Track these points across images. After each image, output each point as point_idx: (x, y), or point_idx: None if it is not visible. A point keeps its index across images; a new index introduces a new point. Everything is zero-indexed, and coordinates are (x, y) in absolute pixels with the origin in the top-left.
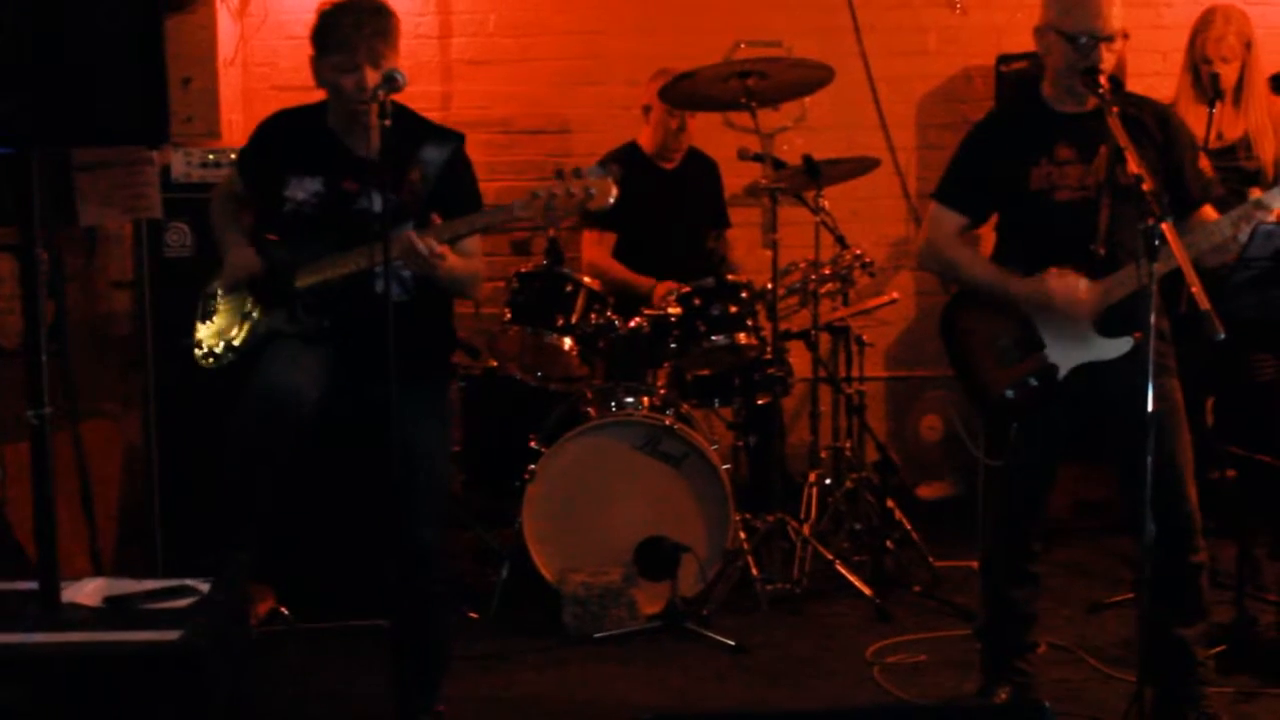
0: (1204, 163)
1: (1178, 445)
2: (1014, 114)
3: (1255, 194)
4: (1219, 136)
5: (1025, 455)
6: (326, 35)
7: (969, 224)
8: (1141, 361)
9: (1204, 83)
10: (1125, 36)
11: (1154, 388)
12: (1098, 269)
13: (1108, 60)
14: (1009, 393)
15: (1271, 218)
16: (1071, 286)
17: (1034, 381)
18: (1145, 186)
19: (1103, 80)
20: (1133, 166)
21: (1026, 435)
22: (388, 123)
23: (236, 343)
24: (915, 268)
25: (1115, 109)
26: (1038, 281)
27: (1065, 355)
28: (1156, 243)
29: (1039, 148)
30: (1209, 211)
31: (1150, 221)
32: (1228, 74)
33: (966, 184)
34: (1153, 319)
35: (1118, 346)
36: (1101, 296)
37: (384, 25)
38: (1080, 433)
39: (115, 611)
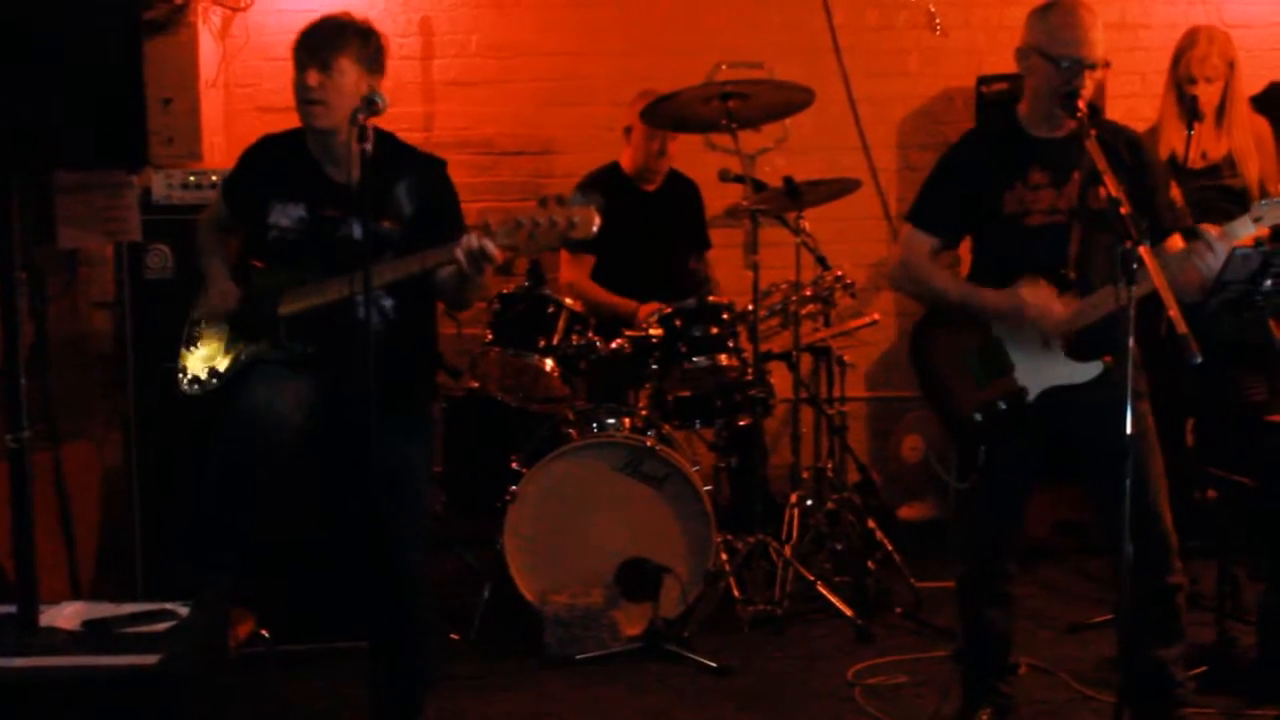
0: (1175, 191)
1: (1151, 468)
2: (988, 137)
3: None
4: (1203, 156)
5: (996, 478)
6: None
7: (941, 245)
8: (1118, 385)
9: (1186, 103)
10: (1107, 65)
11: (1131, 415)
12: (1069, 292)
13: (1089, 87)
14: (977, 415)
15: (1248, 241)
16: (1044, 296)
17: (1002, 405)
18: (1123, 210)
19: (1080, 105)
20: (1111, 190)
21: (996, 458)
22: (368, 146)
23: (221, 369)
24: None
25: (1093, 132)
26: (1010, 293)
27: (1035, 378)
28: (1135, 266)
29: (1012, 171)
30: (1176, 240)
31: (1128, 244)
32: (1211, 94)
33: (939, 206)
34: (1130, 342)
35: (1088, 370)
36: (1074, 317)
37: (338, 39)
38: (1052, 455)
39: (94, 635)
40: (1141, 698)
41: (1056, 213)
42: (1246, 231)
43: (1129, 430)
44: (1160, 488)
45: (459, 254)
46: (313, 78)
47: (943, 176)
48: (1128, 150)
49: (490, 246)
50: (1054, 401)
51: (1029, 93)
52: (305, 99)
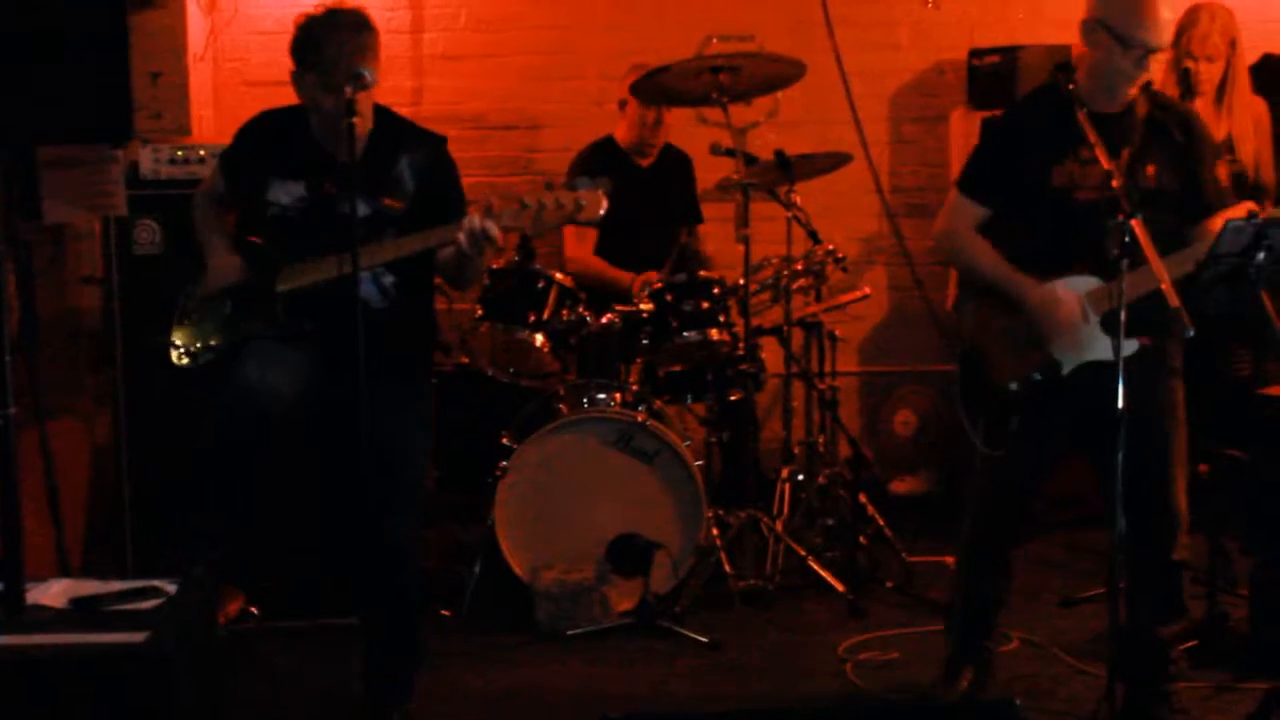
0: (1222, 170)
1: (1173, 444)
2: (1042, 107)
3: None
4: None
5: (1024, 448)
6: (306, 52)
7: (988, 215)
8: (1136, 363)
9: (1183, 79)
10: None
11: (1156, 385)
12: (1113, 270)
13: (1152, 73)
14: (1013, 385)
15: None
16: (1075, 307)
17: (1038, 376)
18: (1114, 183)
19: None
20: (1104, 163)
21: (1026, 428)
22: (356, 120)
23: (215, 343)
24: (887, 262)
25: (1143, 108)
26: (1046, 293)
27: (1071, 352)
28: (1126, 239)
29: (1064, 145)
30: (1218, 220)
31: (1120, 217)
32: (1212, 73)
33: (989, 176)
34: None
35: (1126, 347)
36: (1109, 300)
37: (364, 42)
38: (1080, 431)
39: (81, 613)
40: (1133, 673)
41: (1106, 189)
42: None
43: (1120, 403)
44: (1179, 464)
45: (460, 235)
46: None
47: (994, 146)
48: (1179, 128)
49: (492, 228)
50: (1088, 376)
51: (1088, 67)
52: (349, 112)
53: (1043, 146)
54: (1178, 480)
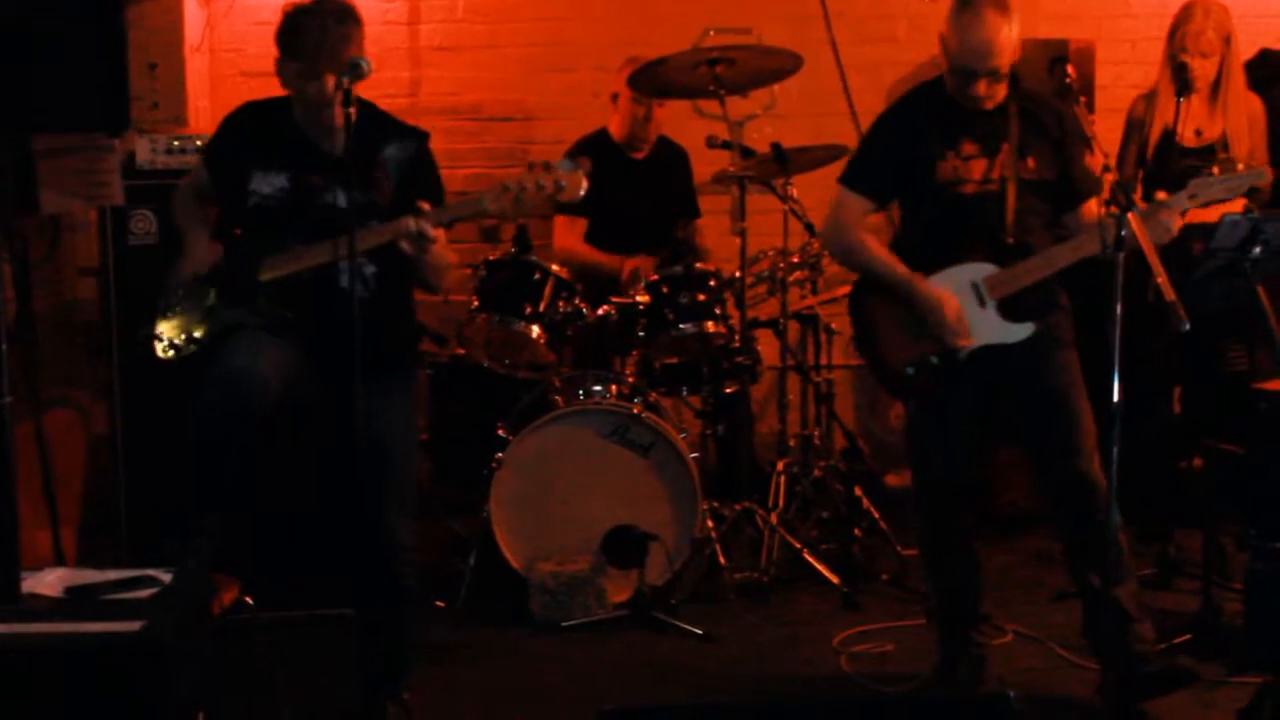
0: (1092, 161)
1: (1078, 414)
2: (922, 105)
3: (1160, 195)
4: (1197, 134)
5: (934, 431)
6: (290, 40)
7: (873, 208)
8: (1029, 343)
9: (1179, 74)
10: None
11: (1055, 363)
12: (1006, 257)
13: (985, 90)
14: (909, 369)
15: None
16: (958, 311)
17: (934, 360)
18: (1109, 178)
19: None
20: (1099, 158)
21: (933, 412)
22: (352, 110)
23: (198, 334)
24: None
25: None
26: (933, 295)
27: (960, 346)
28: (1123, 232)
29: (945, 141)
30: (1093, 207)
31: (1115, 210)
32: (1206, 69)
33: (874, 169)
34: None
35: (1020, 331)
36: (1004, 286)
37: (348, 31)
38: (990, 413)
39: (76, 602)
40: (1101, 637)
41: (989, 181)
42: (1181, 207)
43: (1116, 396)
44: (1087, 434)
45: (399, 239)
46: (334, 84)
47: (878, 140)
48: (1053, 120)
49: (427, 228)
50: (987, 359)
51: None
52: (325, 105)
53: (926, 143)
54: (1090, 450)
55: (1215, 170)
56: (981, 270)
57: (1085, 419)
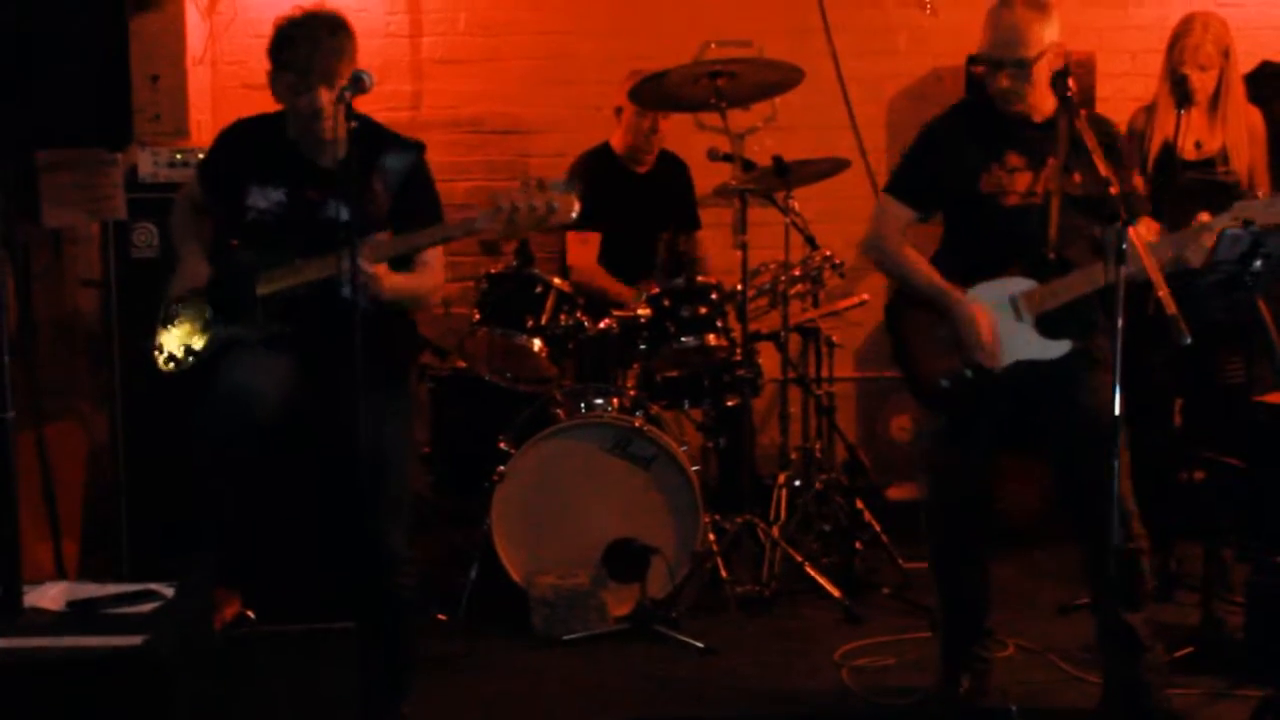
0: (1138, 180)
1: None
2: (968, 116)
3: (1203, 217)
4: (1197, 146)
5: (964, 446)
6: (281, 53)
7: (915, 218)
8: (1065, 363)
9: (1178, 87)
10: (1032, 59)
11: (1091, 383)
12: (1046, 272)
13: (1014, 85)
14: (944, 382)
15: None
16: (990, 325)
17: (969, 373)
18: (1112, 190)
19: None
20: (1101, 170)
21: (963, 425)
22: (354, 125)
23: (197, 348)
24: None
25: (1083, 112)
26: (966, 306)
27: (1004, 350)
28: (1124, 246)
29: (990, 153)
30: (1140, 226)
31: (1119, 225)
32: (1205, 82)
33: (917, 178)
34: (1120, 321)
35: (1057, 347)
36: (1042, 301)
37: (340, 44)
38: (1020, 428)
39: (78, 616)
40: (1113, 664)
41: (1032, 195)
42: (1223, 228)
43: (1117, 410)
44: (1120, 456)
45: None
46: (326, 96)
47: (923, 150)
48: (1101, 139)
49: (368, 268)
50: (1022, 374)
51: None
52: (316, 118)
53: (970, 154)
54: (1121, 474)
55: (1261, 194)
56: (1020, 285)
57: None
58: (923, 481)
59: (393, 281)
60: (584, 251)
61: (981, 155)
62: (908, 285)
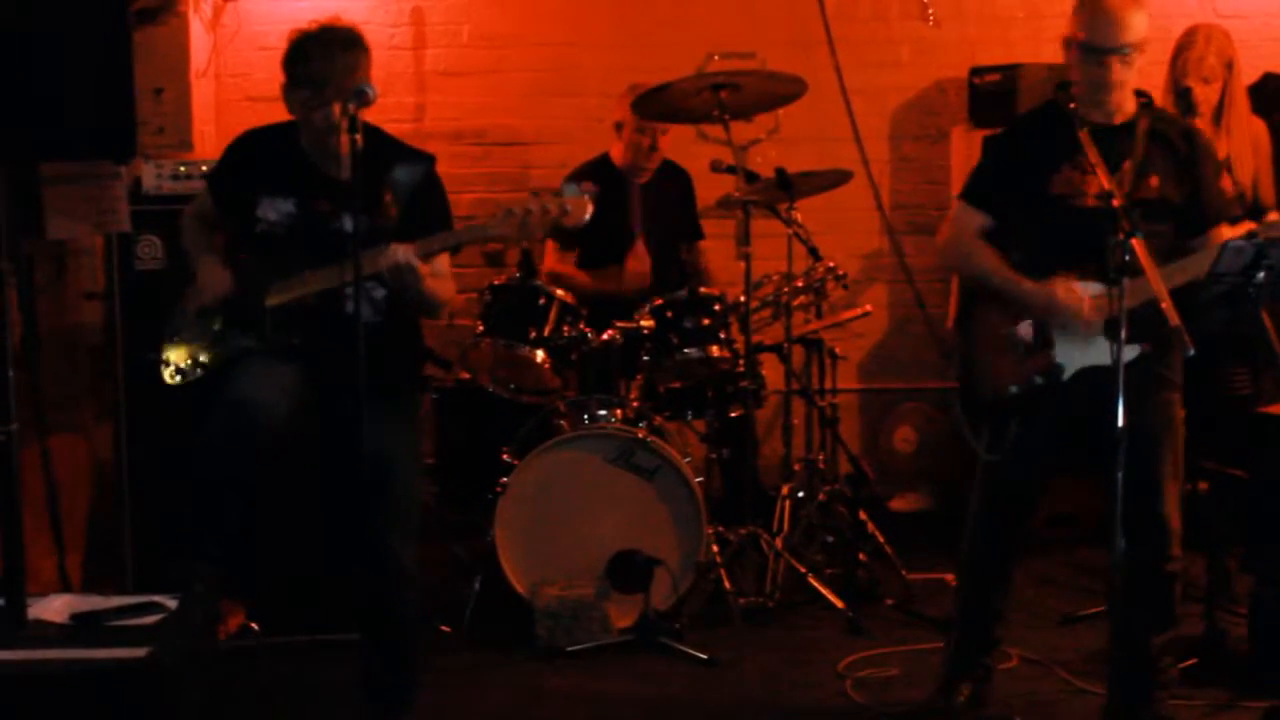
0: (1226, 183)
1: (1165, 456)
2: (1042, 122)
3: (1274, 216)
4: None
5: (1023, 454)
6: (296, 66)
7: (989, 224)
8: (1135, 375)
9: (1181, 99)
10: (1135, 47)
11: (1154, 398)
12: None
13: (1118, 73)
14: (1014, 389)
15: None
16: (1076, 296)
17: (1039, 380)
18: (1115, 202)
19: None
20: (1104, 182)
21: (1025, 434)
22: (358, 138)
23: (205, 360)
24: (888, 280)
25: (1168, 113)
26: (1045, 288)
27: (1072, 357)
28: (1127, 257)
29: (1063, 154)
30: (1224, 231)
31: (1121, 236)
32: (1209, 94)
33: (991, 185)
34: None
35: (1125, 354)
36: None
37: (354, 60)
38: (1078, 436)
39: (82, 628)
40: (1123, 681)
41: (1106, 201)
42: None
43: (1120, 421)
44: (1171, 477)
45: (382, 264)
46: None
47: (996, 156)
48: (1182, 140)
49: (415, 261)
50: (1088, 382)
51: (1076, 84)
52: (331, 133)
53: (1042, 157)
54: (1170, 492)
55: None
56: (1088, 289)
57: (1172, 462)
58: (975, 493)
59: (429, 281)
60: (561, 260)
61: (1054, 156)
62: (988, 284)
